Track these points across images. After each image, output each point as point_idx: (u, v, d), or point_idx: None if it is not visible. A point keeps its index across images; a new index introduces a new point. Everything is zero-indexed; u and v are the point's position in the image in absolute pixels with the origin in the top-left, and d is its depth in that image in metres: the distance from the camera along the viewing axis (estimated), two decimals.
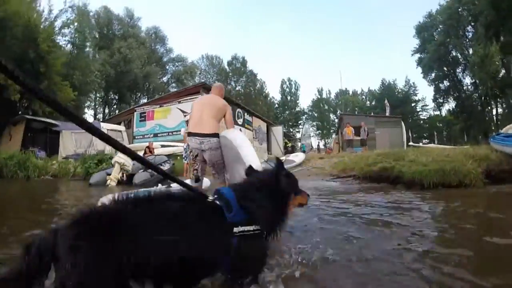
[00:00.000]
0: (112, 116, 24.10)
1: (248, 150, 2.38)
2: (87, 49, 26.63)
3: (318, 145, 25.89)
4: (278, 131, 21.76)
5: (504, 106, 38.58)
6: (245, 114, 18.79)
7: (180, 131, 14.00)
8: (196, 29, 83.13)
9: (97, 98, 34.38)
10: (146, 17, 73.97)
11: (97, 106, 35.37)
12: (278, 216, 1.15)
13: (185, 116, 13.92)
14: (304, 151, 18.82)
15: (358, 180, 5.86)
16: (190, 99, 13.70)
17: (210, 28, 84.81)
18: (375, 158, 6.18)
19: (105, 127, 13.79)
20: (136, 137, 15.48)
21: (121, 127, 15.77)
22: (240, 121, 17.68)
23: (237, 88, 47.73)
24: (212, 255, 0.96)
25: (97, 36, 32.24)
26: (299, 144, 25.00)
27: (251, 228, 0.99)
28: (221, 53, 69.87)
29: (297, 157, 9.84)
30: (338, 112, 40.39)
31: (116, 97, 35.16)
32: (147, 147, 9.45)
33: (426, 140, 42.58)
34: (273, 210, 1.11)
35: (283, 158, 11.32)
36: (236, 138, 2.55)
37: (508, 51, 20.74)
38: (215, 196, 1.08)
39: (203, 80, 45.80)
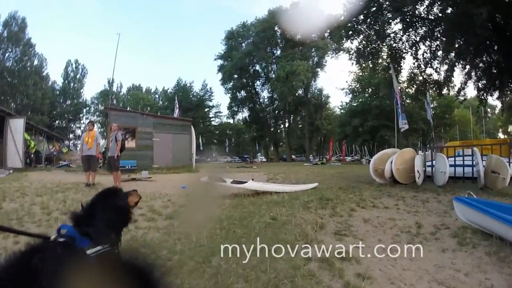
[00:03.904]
0: None
1: None
2: None
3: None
4: (17, 125, 14.37)
5: (291, 121, 43.91)
6: None
7: None
8: None
9: None
10: None
11: None
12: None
13: None
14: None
15: None
16: None
17: None
18: None
19: None
20: None
21: None
22: None
23: (6, 63, 33.99)
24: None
25: None
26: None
27: (99, 248, 0.99)
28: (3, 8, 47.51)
29: None
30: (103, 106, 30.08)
31: None
32: None
33: (226, 158, 38.90)
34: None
35: None
36: None
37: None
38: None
39: None
